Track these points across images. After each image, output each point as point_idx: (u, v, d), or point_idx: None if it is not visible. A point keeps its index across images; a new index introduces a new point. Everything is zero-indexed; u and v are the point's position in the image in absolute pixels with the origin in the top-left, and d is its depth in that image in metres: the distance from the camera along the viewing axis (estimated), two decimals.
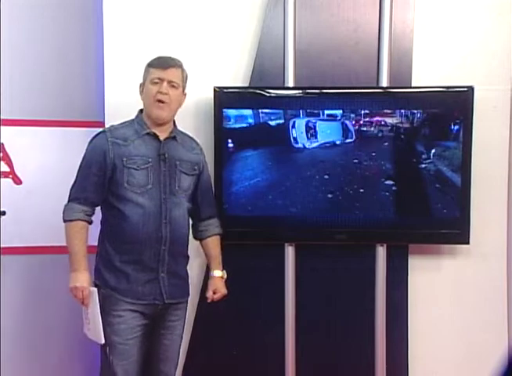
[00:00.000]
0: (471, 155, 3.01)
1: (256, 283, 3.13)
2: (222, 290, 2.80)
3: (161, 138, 2.63)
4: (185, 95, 2.68)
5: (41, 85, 3.23)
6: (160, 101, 2.57)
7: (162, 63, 2.60)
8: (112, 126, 2.67)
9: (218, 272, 2.80)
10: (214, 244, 2.83)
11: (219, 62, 3.14)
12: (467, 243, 3.07)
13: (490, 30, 3.15)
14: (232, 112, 3.00)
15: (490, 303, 3.18)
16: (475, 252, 3.14)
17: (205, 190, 2.80)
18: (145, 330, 2.60)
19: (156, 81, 2.58)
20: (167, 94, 2.58)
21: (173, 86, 2.59)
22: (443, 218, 3.05)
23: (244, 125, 3.02)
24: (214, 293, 2.78)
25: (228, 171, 3.03)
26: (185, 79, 2.66)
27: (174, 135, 2.66)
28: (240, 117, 3.01)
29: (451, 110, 3.01)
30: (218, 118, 3.00)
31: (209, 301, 2.78)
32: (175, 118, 2.70)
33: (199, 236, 2.83)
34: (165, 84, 2.57)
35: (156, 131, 2.62)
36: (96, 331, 2.56)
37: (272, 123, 3.02)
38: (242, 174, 3.03)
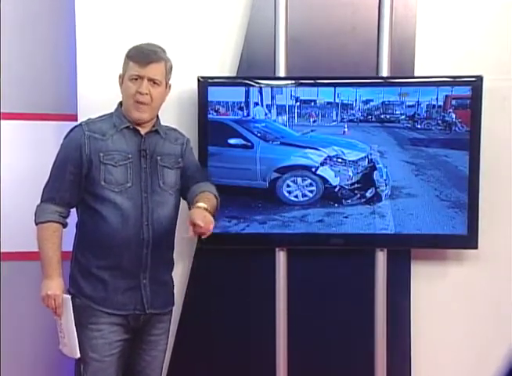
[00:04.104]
0: (480, 152, 2.94)
1: (244, 292, 3.06)
2: (200, 220, 2.33)
3: (142, 132, 2.55)
4: (169, 87, 2.60)
5: (10, 76, 3.14)
6: (139, 102, 2.48)
7: (141, 58, 2.49)
8: (89, 119, 2.59)
9: (201, 204, 2.44)
10: (205, 193, 2.53)
11: (203, 49, 3.06)
12: (475, 247, 3.00)
13: (500, 15, 3.07)
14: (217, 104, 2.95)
15: (499, 312, 3.12)
16: (484, 258, 3.08)
17: (193, 169, 2.66)
18: (125, 345, 2.52)
19: (135, 77, 2.49)
20: (148, 94, 2.48)
21: (154, 83, 2.50)
22: (449, 220, 2.98)
23: (231, 118, 2.95)
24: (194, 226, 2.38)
25: (214, 167, 2.94)
26: (168, 71, 2.57)
27: (157, 129, 2.59)
28: (226, 109, 2.95)
29: (457, 102, 2.95)
30: (203, 110, 2.93)
31: (189, 235, 2.39)
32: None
33: (191, 198, 2.54)
34: (145, 82, 2.48)
35: (137, 125, 2.54)
36: (71, 344, 2.48)
37: (261, 116, 2.96)
38: (228, 170, 2.96)
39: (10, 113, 3.12)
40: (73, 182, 2.49)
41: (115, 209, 2.47)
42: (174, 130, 2.69)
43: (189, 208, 2.58)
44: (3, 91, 3.10)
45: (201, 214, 2.38)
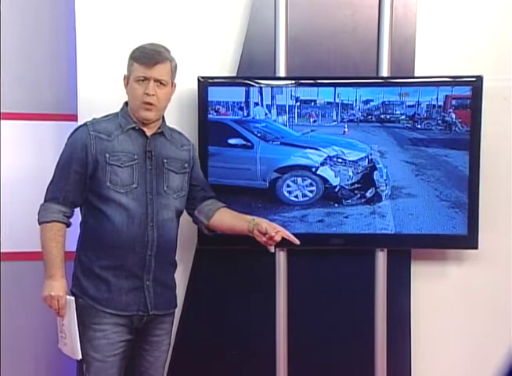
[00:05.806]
0: (480, 152, 2.95)
1: (244, 292, 3.06)
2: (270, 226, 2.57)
3: (148, 133, 2.56)
4: (175, 86, 2.61)
5: (9, 76, 3.15)
6: (146, 103, 2.49)
7: (147, 59, 2.49)
8: (94, 119, 2.59)
9: (252, 217, 2.64)
10: (228, 210, 2.73)
11: (203, 49, 3.06)
12: (475, 247, 3.01)
13: (500, 15, 3.08)
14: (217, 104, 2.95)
15: (500, 313, 3.12)
16: (484, 258, 3.08)
17: (200, 181, 2.73)
18: (127, 346, 2.53)
19: (142, 79, 2.49)
20: (155, 95, 2.49)
21: (161, 84, 2.51)
22: (449, 220, 2.98)
23: (231, 118, 2.95)
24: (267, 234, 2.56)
25: (214, 167, 2.94)
26: (174, 70, 2.57)
27: (162, 131, 2.60)
28: (226, 109, 2.95)
29: (457, 102, 2.96)
30: (203, 110, 2.93)
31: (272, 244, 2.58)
32: None
33: (205, 215, 2.68)
34: (151, 83, 2.48)
35: (143, 126, 2.55)
36: (73, 346, 2.48)
37: (261, 116, 2.97)
38: (228, 170, 2.96)
39: (10, 113, 3.12)
40: (77, 182, 2.49)
41: (121, 210, 2.48)
42: (179, 133, 2.70)
43: (190, 215, 2.68)
44: (3, 91, 3.10)
45: (269, 224, 2.57)
